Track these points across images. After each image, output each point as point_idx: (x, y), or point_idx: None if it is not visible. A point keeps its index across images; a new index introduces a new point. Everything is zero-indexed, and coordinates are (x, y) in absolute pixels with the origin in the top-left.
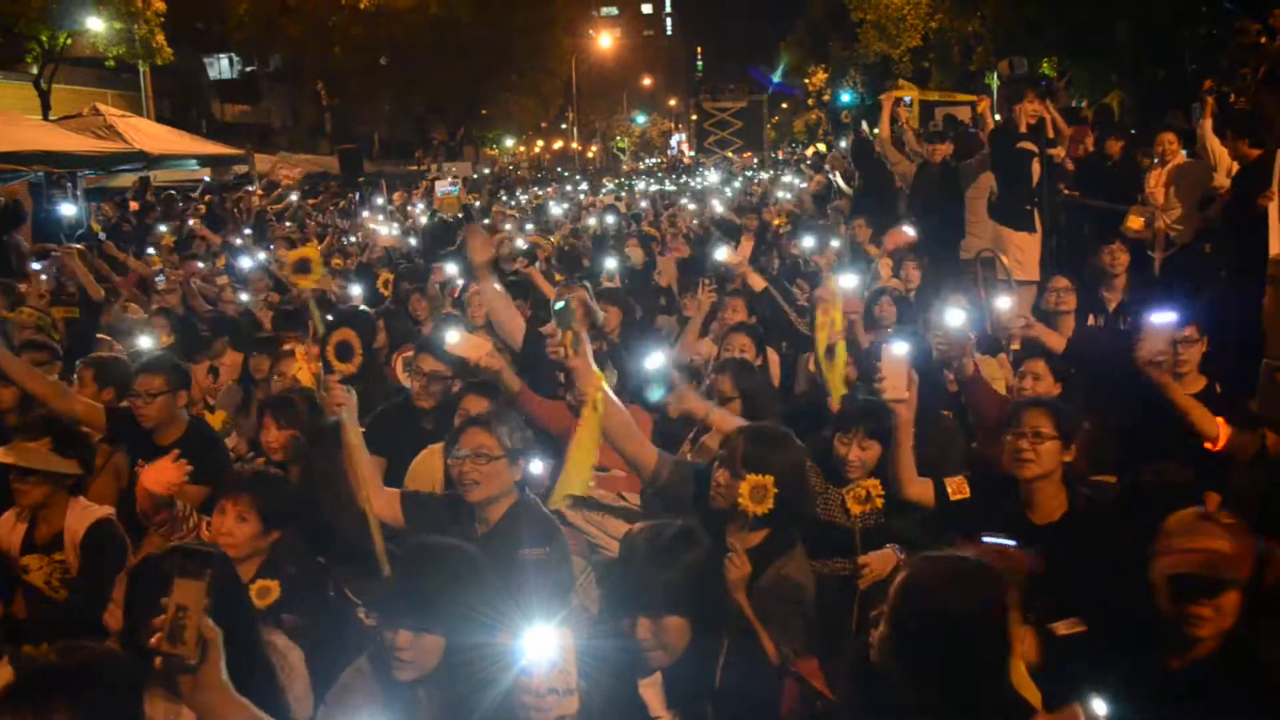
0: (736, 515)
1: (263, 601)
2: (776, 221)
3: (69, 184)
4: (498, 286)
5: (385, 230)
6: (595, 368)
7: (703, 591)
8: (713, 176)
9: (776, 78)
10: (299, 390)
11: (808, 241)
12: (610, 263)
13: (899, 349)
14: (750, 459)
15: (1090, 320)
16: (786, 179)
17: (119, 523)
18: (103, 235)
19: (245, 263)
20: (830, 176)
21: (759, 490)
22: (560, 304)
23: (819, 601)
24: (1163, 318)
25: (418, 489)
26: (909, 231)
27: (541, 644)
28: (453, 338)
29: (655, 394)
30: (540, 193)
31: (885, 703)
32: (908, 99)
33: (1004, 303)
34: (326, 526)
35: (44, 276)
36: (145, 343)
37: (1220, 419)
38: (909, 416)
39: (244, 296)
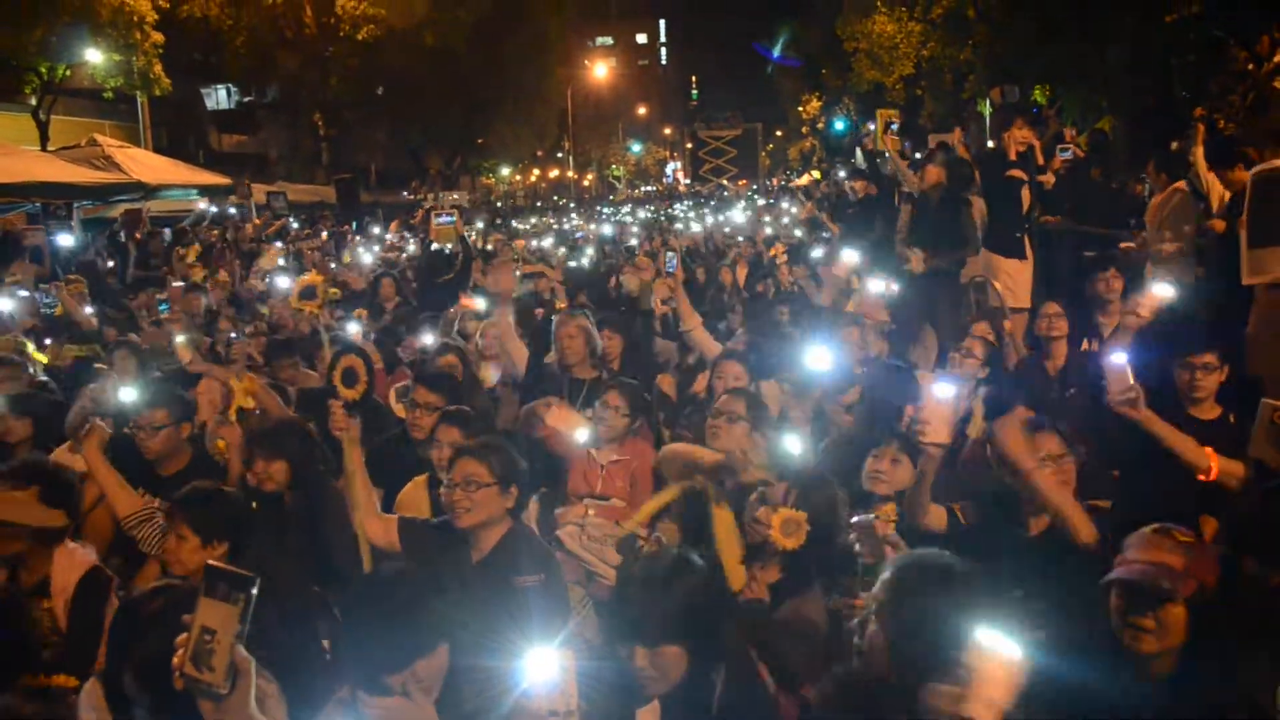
0: (768, 550)
1: None
2: (772, 251)
3: (64, 214)
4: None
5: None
6: None
7: (700, 620)
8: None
9: (777, 52)
10: (286, 421)
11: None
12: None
13: (945, 391)
14: (799, 500)
15: (1085, 345)
16: (783, 205)
17: (106, 565)
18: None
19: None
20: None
21: (791, 524)
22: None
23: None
24: (1117, 358)
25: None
26: (847, 262)
27: (543, 666)
28: (582, 436)
29: None
30: (536, 222)
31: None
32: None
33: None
34: (322, 553)
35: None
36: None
37: (1209, 449)
38: (940, 457)
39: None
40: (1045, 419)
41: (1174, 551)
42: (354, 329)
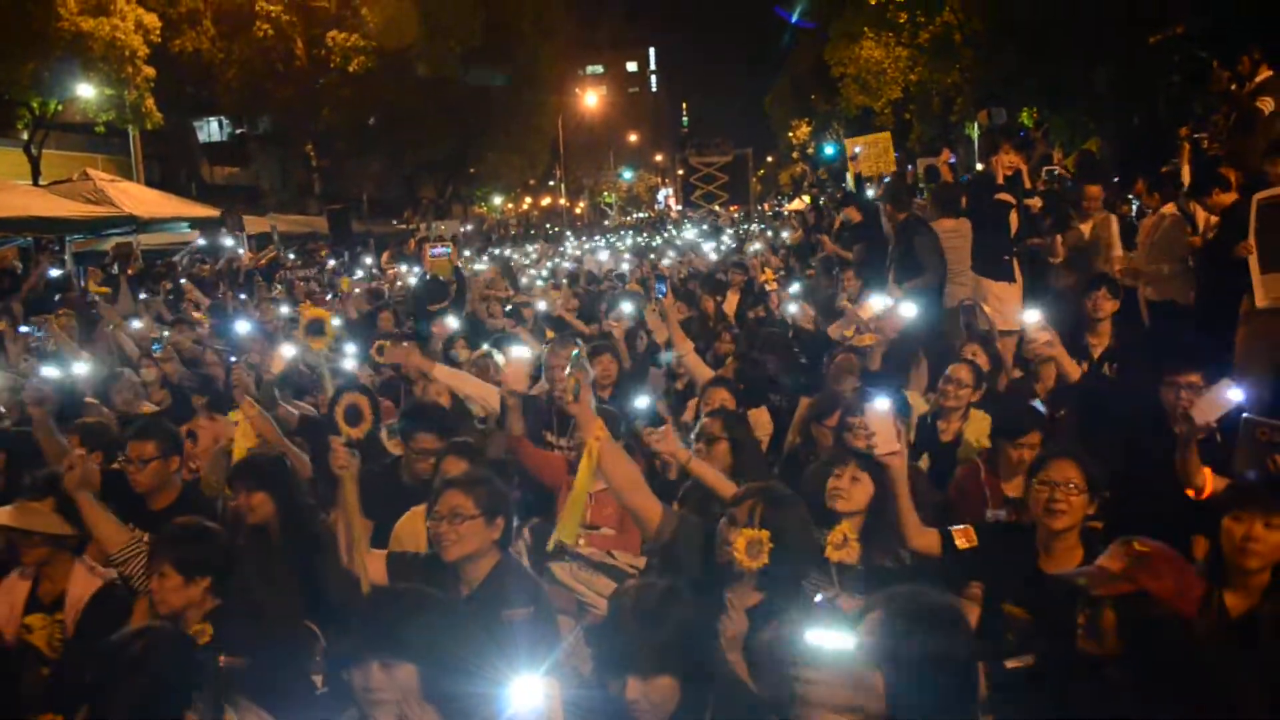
0: (739, 573)
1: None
2: (763, 278)
3: (56, 248)
4: (445, 370)
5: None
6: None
7: (691, 650)
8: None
9: (795, 16)
10: (266, 455)
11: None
12: (626, 307)
13: (882, 404)
14: (765, 518)
15: None
16: (768, 234)
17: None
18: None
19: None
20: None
21: (755, 545)
22: (575, 352)
23: None
24: (1234, 394)
25: (402, 550)
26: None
27: (528, 694)
28: (519, 352)
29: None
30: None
31: None
32: (858, 149)
33: (1032, 315)
34: (314, 589)
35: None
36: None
37: (1207, 469)
38: (903, 467)
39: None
40: (1072, 448)
41: (1120, 558)
42: (350, 362)
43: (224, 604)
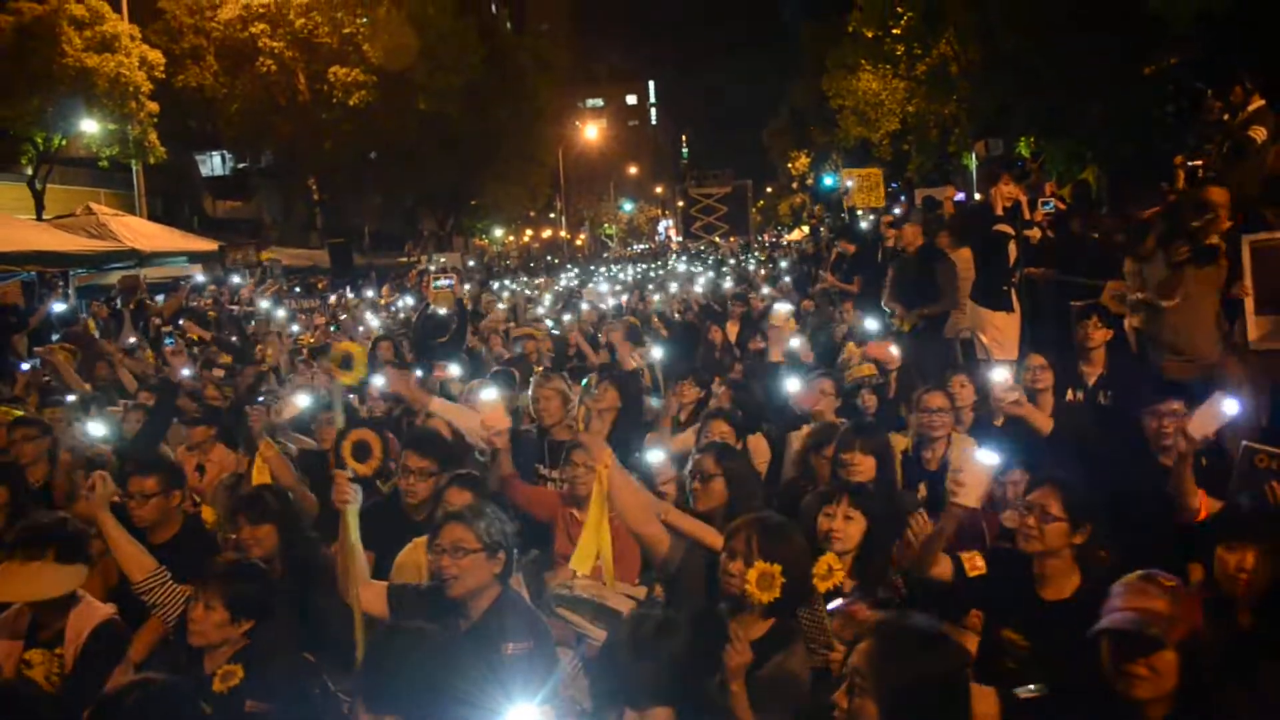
0: (745, 604)
1: (224, 685)
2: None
3: (60, 282)
4: (440, 403)
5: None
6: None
7: (687, 681)
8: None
9: None
10: (269, 487)
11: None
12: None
13: (988, 459)
14: (762, 549)
15: (1070, 395)
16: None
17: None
18: (96, 333)
19: None
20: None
21: (766, 578)
22: (585, 380)
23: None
24: (1229, 405)
25: (404, 581)
26: (893, 350)
27: None
28: (489, 394)
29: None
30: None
31: None
32: (850, 182)
33: (999, 374)
34: (314, 621)
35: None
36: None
37: (1202, 492)
38: (961, 517)
39: None
40: (1056, 475)
41: (1160, 597)
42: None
43: (254, 645)
